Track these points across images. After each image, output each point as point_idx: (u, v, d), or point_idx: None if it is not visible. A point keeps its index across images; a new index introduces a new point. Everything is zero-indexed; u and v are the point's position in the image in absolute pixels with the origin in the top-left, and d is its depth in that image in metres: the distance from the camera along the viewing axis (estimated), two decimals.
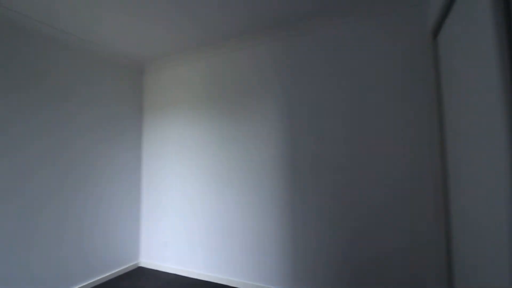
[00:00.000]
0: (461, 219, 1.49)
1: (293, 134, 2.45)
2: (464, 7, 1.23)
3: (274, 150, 2.51)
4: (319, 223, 2.29)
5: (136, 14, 2.26)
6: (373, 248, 2.09)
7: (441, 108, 1.77)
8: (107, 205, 2.86)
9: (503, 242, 0.93)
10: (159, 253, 3.07)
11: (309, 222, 2.33)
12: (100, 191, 2.79)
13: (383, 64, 2.15)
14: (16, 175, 2.14)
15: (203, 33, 2.60)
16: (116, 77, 3.05)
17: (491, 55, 0.96)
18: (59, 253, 2.40)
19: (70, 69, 2.58)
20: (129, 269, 3.05)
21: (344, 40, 2.30)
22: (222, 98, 2.82)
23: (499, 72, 0.88)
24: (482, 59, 1.08)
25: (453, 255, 1.66)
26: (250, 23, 2.42)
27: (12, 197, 2.11)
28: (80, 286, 2.54)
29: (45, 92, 2.37)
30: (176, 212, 3.00)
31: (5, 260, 2.05)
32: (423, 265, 1.94)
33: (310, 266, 2.29)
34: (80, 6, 2.12)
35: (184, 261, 2.90)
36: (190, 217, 2.90)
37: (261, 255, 2.50)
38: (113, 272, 2.87)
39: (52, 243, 2.36)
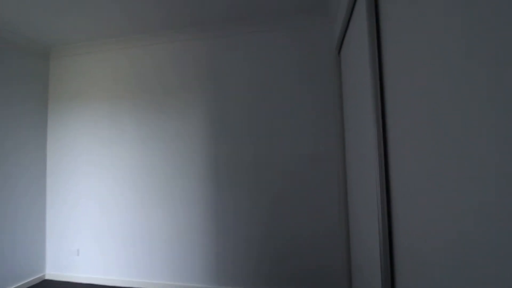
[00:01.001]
0: (352, 212, 1.68)
1: (214, 133, 2.43)
2: (354, 27, 1.34)
3: (197, 148, 2.46)
4: (236, 219, 2.34)
5: None
6: (285, 239, 2.23)
7: (342, 112, 1.96)
8: (7, 210, 2.43)
9: (375, 240, 1.05)
10: (69, 263, 2.77)
11: (228, 219, 2.36)
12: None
13: (295, 74, 2.29)
14: None
15: (123, 22, 2.34)
16: (12, 61, 2.56)
17: (366, 70, 1.06)
18: None
19: None
20: (33, 282, 2.69)
21: (259, 46, 2.37)
22: (144, 93, 2.62)
23: (371, 82, 0.99)
24: (361, 71, 1.21)
25: (351, 248, 1.87)
26: (169, 18, 2.27)
27: None
28: None
29: None
30: (88, 216, 2.72)
31: None
32: (329, 255, 2.16)
33: (231, 262, 2.34)
34: None
35: (98, 269, 2.68)
36: (103, 222, 2.67)
37: (184, 255, 2.45)
38: (12, 287, 2.49)
39: None
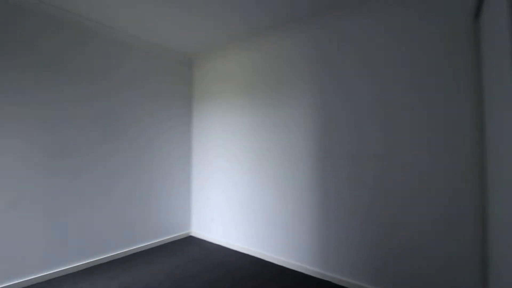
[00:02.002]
0: (497, 217, 1.42)
1: (327, 121, 2.51)
2: None
3: (309, 136, 2.61)
4: (352, 209, 2.35)
5: (186, 12, 2.56)
6: (406, 235, 2.07)
7: (483, 99, 1.62)
8: (165, 181, 3.37)
9: None
10: (207, 226, 3.51)
11: (342, 207, 2.40)
12: (160, 169, 3.31)
13: (418, 54, 2.04)
14: (101, 155, 2.72)
15: (242, 28, 2.79)
16: (169, 71, 3.48)
17: None
18: (128, 215, 2.98)
19: (131, 66, 3.07)
20: (182, 236, 3.57)
21: (373, 29, 2.23)
22: (261, 86, 3.00)
23: None
24: None
25: (488, 251, 1.58)
26: (279, 17, 2.51)
27: (97, 169, 2.70)
28: (142, 245, 3.12)
29: (113, 84, 2.90)
30: (221, 190, 3.36)
31: (90, 216, 2.67)
32: (456, 260, 1.88)
33: (341, 249, 2.39)
34: (138, 6, 2.51)
35: (227, 235, 3.27)
36: (233, 196, 3.24)
37: (294, 235, 2.68)
38: (169, 237, 3.41)
39: (124, 207, 2.94)
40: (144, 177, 3.15)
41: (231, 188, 3.24)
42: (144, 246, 3.13)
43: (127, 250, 2.97)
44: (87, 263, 2.65)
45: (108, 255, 2.81)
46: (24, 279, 2.26)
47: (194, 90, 3.77)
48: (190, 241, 3.44)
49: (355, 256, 2.30)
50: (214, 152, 3.45)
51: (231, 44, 3.28)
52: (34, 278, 2.31)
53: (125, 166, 2.98)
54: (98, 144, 2.76)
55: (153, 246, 3.22)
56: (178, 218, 3.54)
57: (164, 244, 3.32)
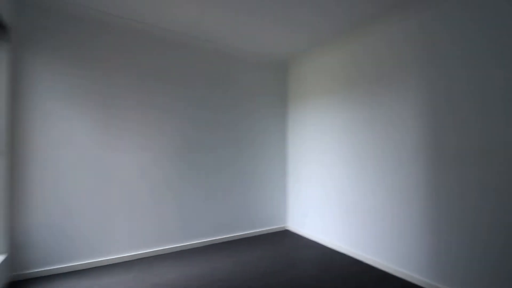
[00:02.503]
0: None
1: (436, 119, 2.20)
2: None
3: (417, 131, 2.35)
4: (471, 217, 1.99)
5: (280, 20, 2.75)
6: None
7: None
8: (263, 175, 3.68)
9: None
10: (301, 221, 3.62)
11: (464, 212, 2.07)
12: (259, 165, 3.63)
13: None
14: (209, 150, 3.24)
15: (337, 23, 2.76)
16: (267, 74, 3.77)
17: None
18: (232, 205, 3.41)
19: (237, 72, 3.49)
20: (279, 229, 3.80)
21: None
22: (361, 80, 2.89)
23: None
24: None
25: None
26: (380, 5, 2.36)
27: (203, 164, 3.23)
28: (244, 232, 3.50)
29: (224, 88, 3.37)
30: (316, 184, 3.41)
31: (201, 205, 3.20)
32: None
33: (461, 260, 2.05)
34: (241, 23, 2.85)
35: (323, 232, 3.29)
36: (332, 194, 3.24)
37: (399, 238, 2.47)
38: (267, 228, 3.69)
39: (229, 197, 3.38)
40: (246, 171, 3.53)
41: (328, 184, 3.24)
42: (245, 234, 3.50)
43: (233, 235, 3.40)
44: (201, 242, 3.18)
45: (217, 238, 3.30)
46: (162, 248, 2.93)
47: (289, 89, 3.95)
48: (286, 234, 3.63)
49: (479, 269, 1.94)
50: (309, 149, 3.53)
51: (330, 40, 3.28)
52: (168, 248, 2.96)
53: (232, 161, 3.42)
54: (216, 141, 3.29)
55: (253, 235, 3.56)
56: (275, 212, 3.78)
57: (263, 234, 3.61)
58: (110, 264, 2.61)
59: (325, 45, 3.33)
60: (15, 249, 2.26)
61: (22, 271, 2.29)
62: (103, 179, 2.64)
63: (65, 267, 2.44)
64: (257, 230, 3.61)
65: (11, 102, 2.27)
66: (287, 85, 3.99)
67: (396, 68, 2.54)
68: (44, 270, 2.36)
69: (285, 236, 3.54)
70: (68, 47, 2.50)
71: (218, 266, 2.59)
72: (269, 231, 3.72)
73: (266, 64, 3.79)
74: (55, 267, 2.41)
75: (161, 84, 2.97)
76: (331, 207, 3.17)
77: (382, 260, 2.60)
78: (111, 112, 2.68)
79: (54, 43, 2.44)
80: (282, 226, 3.86)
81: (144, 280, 2.30)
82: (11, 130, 2.27)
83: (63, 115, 2.47)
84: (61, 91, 2.46)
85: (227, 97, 3.41)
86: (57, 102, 2.45)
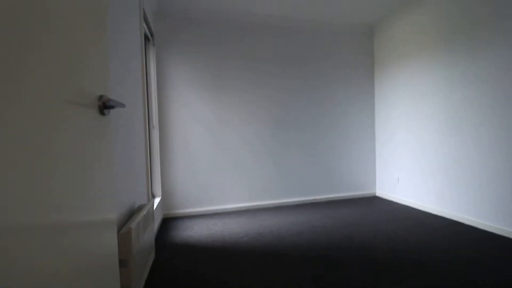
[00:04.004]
0: None
1: None
2: None
3: None
4: None
5: None
6: None
7: None
8: (352, 144, 3.85)
9: None
10: (392, 187, 3.65)
11: None
12: (348, 132, 3.82)
13: None
14: (303, 124, 3.62)
15: None
16: (354, 42, 3.83)
17: None
18: (321, 171, 3.74)
19: (327, 46, 3.70)
20: (369, 195, 3.93)
21: None
22: (452, 39, 2.69)
23: None
24: None
25: None
26: None
27: (298, 135, 3.63)
28: (335, 195, 3.79)
29: (317, 64, 3.65)
30: (406, 149, 3.37)
31: (297, 170, 3.63)
32: None
33: None
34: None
35: (415, 196, 3.27)
36: (419, 154, 3.18)
37: (497, 197, 2.31)
38: (357, 193, 3.88)
39: (325, 160, 3.72)
40: (336, 141, 3.78)
41: (418, 147, 3.18)
42: (335, 196, 3.80)
43: (324, 197, 3.76)
44: (297, 200, 3.66)
45: (310, 198, 3.71)
46: (265, 202, 3.55)
47: (377, 55, 3.89)
48: (375, 199, 3.74)
49: None
50: (399, 113, 3.48)
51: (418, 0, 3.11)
52: (269, 203, 3.56)
53: (324, 132, 3.73)
54: (310, 115, 3.66)
55: (342, 198, 3.82)
56: (364, 178, 3.92)
57: (352, 198, 3.83)
58: (225, 212, 3.38)
59: (414, 2, 3.16)
60: (165, 194, 3.24)
61: (169, 211, 3.27)
62: (219, 147, 3.38)
63: (194, 211, 3.32)
64: (347, 194, 3.86)
65: (157, 90, 3.19)
66: (374, 51, 3.93)
67: (494, 17, 2.28)
68: (181, 211, 3.29)
69: (374, 201, 3.66)
70: (193, 44, 3.26)
71: (311, 218, 3.01)
72: (359, 196, 3.90)
73: (353, 33, 3.83)
74: (187, 210, 3.31)
75: (262, 65, 3.48)
76: (423, 170, 3.11)
77: (483, 220, 2.48)
78: (222, 92, 3.37)
79: (183, 42, 3.23)
80: (372, 192, 3.96)
81: (253, 221, 2.94)
82: (159, 110, 3.20)
83: (190, 97, 3.28)
84: (188, 79, 3.27)
85: (320, 74, 3.69)
86: (185, 88, 3.27)
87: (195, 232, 2.69)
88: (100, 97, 0.81)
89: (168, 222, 3.05)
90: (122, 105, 0.90)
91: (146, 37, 2.86)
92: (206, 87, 3.33)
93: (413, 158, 3.27)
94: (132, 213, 1.74)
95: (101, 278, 0.77)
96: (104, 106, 0.81)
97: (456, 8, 2.68)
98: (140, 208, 1.82)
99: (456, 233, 2.42)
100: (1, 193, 0.40)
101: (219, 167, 3.39)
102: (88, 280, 0.69)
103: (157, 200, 2.93)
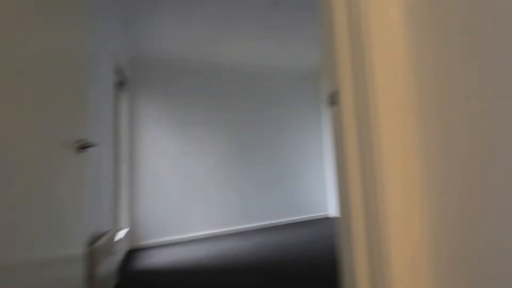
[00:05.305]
0: None
1: None
2: None
3: None
4: None
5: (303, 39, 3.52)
6: None
7: None
8: (303, 168, 4.35)
9: None
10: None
11: None
12: (299, 157, 4.34)
13: None
14: (252, 147, 4.10)
15: None
16: (302, 84, 4.53)
17: None
18: (277, 197, 4.16)
19: (272, 89, 4.34)
20: (322, 216, 4.37)
21: None
22: None
23: None
24: None
25: None
26: None
27: (254, 164, 4.08)
28: (290, 218, 4.18)
29: (269, 103, 4.25)
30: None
31: (255, 197, 4.02)
32: None
33: None
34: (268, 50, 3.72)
35: None
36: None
37: None
38: (313, 215, 4.31)
39: (273, 191, 4.15)
40: (290, 166, 4.27)
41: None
42: (291, 220, 4.19)
43: (280, 221, 4.13)
44: (255, 225, 3.99)
45: (268, 222, 4.07)
46: (222, 229, 3.83)
47: (322, 95, 4.61)
48: (329, 220, 4.18)
49: None
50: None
51: None
52: (231, 229, 3.85)
53: (282, 156, 4.22)
54: (264, 146, 4.15)
55: (298, 221, 4.22)
56: (317, 200, 4.39)
57: (309, 220, 4.24)
58: (190, 240, 3.60)
59: None
60: (132, 226, 3.42)
61: (136, 242, 3.43)
62: (184, 178, 3.71)
63: (160, 240, 3.51)
64: (303, 216, 4.27)
65: (130, 127, 3.53)
66: (319, 93, 4.66)
67: None
68: (148, 242, 3.47)
69: (327, 221, 4.10)
70: (160, 87, 3.72)
71: (269, 238, 3.35)
72: (314, 217, 4.32)
73: (301, 76, 4.56)
74: (153, 240, 3.49)
75: (219, 105, 4.00)
76: None
77: None
78: (186, 128, 3.79)
79: (153, 85, 3.68)
80: (325, 213, 4.41)
81: (214, 245, 3.21)
82: (130, 147, 3.51)
83: (158, 133, 3.65)
84: (156, 117, 3.66)
85: (272, 111, 4.28)
86: (154, 125, 3.65)
87: (159, 259, 2.90)
88: (80, 140, 1.18)
89: (135, 252, 3.21)
90: (95, 145, 1.27)
91: (120, 83, 3.27)
92: (173, 124, 3.73)
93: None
94: (95, 246, 1.99)
95: None
96: (82, 147, 1.17)
97: None
98: (104, 240, 2.05)
99: None
100: None
101: (184, 197, 3.68)
102: None
103: (123, 232, 3.11)
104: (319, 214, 4.39)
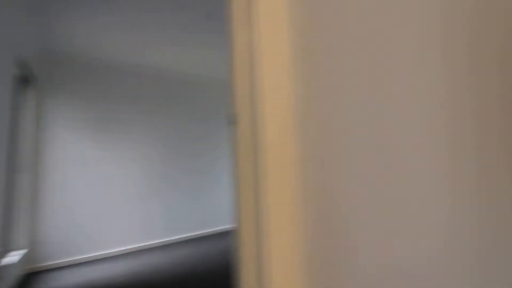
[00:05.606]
0: None
1: None
2: None
3: None
4: None
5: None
6: None
7: None
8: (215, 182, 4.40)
9: None
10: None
11: None
12: (210, 172, 4.38)
13: None
14: (167, 162, 3.99)
15: None
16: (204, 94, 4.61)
17: None
18: (204, 206, 4.11)
19: (193, 93, 4.31)
20: (219, 230, 4.42)
21: None
22: None
23: None
24: None
25: None
26: None
27: (173, 169, 3.96)
28: (198, 232, 4.17)
29: (185, 111, 4.18)
30: None
31: (169, 210, 3.90)
32: None
33: None
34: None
35: None
36: None
37: None
38: (212, 229, 4.35)
39: (185, 199, 4.09)
40: (211, 178, 4.27)
41: None
42: (215, 230, 4.17)
43: (204, 231, 4.08)
44: (180, 237, 3.85)
45: (187, 235, 3.97)
46: (148, 243, 3.59)
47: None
48: (225, 233, 4.29)
49: None
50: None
51: None
52: (152, 243, 3.63)
53: (199, 166, 4.17)
54: (170, 158, 4.04)
55: (220, 231, 4.23)
56: (222, 214, 4.45)
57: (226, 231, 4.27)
58: (107, 257, 3.25)
59: None
60: (34, 245, 2.91)
61: (38, 263, 2.93)
62: (100, 188, 3.33)
63: (72, 259, 3.08)
64: (221, 228, 4.29)
65: (36, 132, 3.02)
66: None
67: None
68: (54, 263, 3.00)
69: (226, 236, 4.21)
70: (77, 87, 3.30)
71: (194, 250, 3.26)
72: (213, 233, 4.37)
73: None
74: (63, 260, 3.04)
75: (144, 111, 3.76)
76: None
77: None
78: (105, 135, 3.44)
79: (66, 84, 3.24)
80: (224, 227, 4.44)
81: (134, 261, 2.96)
82: (36, 153, 3.00)
83: (71, 138, 3.22)
84: (71, 120, 3.23)
85: (197, 122, 4.22)
86: (67, 129, 3.20)
87: (67, 281, 2.53)
88: None
89: (36, 275, 2.73)
90: None
91: (24, 79, 2.79)
92: (90, 129, 3.35)
93: None
94: None
95: None
96: None
97: None
98: None
99: None
100: None
101: (101, 210, 3.31)
102: None
103: (16, 253, 2.62)
104: (218, 228, 4.33)
